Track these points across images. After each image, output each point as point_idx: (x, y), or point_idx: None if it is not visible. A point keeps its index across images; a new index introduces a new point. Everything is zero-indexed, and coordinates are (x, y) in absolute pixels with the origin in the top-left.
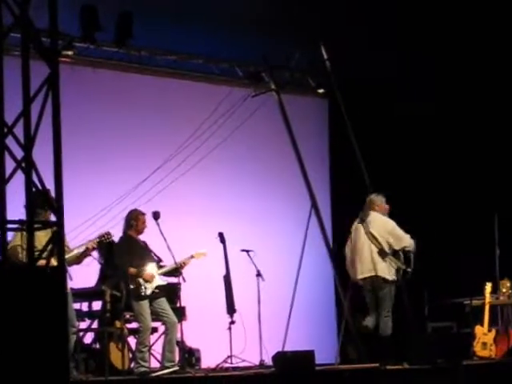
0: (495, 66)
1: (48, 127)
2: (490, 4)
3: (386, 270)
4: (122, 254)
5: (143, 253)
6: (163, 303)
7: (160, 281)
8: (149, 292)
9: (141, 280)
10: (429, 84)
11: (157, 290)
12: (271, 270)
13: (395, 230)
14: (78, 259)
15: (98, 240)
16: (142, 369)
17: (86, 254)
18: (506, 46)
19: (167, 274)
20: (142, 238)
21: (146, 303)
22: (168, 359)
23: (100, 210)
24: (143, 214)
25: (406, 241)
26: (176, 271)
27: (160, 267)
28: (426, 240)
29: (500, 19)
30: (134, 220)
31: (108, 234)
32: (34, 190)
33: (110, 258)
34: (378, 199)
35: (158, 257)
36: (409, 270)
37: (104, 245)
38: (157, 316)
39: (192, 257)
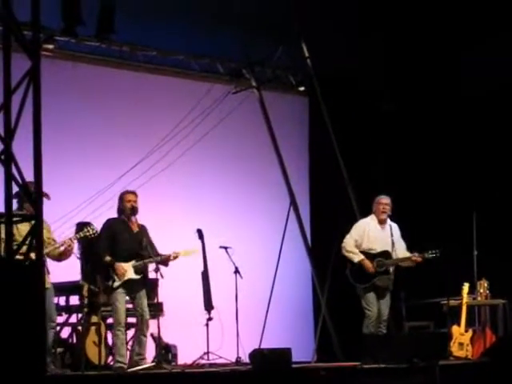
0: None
1: (28, 120)
2: None
3: None
4: (101, 240)
5: (129, 242)
6: (142, 298)
7: (133, 275)
8: (116, 285)
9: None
10: (411, 81)
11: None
12: (249, 266)
13: None
14: (61, 256)
15: (78, 237)
16: (118, 364)
17: (67, 250)
18: None
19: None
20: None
21: (120, 295)
22: (136, 352)
23: (80, 203)
24: (129, 193)
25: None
26: (164, 263)
27: (142, 259)
28: (403, 239)
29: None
30: (120, 202)
31: (88, 225)
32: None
33: (88, 251)
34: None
35: (151, 245)
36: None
37: (83, 238)
38: (133, 309)
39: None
